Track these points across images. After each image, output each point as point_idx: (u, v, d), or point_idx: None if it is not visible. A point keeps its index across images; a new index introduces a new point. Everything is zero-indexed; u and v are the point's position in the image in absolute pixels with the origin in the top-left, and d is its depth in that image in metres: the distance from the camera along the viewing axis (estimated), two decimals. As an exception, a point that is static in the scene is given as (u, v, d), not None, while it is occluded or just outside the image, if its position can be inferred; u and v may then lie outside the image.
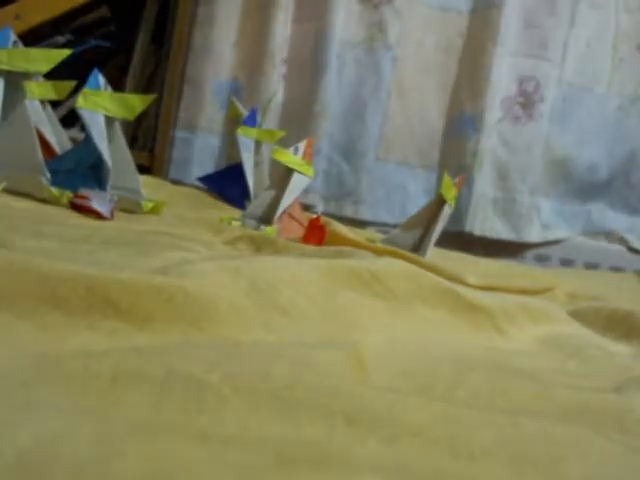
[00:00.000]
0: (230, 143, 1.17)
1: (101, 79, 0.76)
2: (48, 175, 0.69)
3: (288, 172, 0.80)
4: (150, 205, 0.76)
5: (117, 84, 1.25)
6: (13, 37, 0.78)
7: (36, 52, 0.73)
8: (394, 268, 0.50)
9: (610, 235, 1.36)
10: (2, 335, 0.29)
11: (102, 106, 0.74)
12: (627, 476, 0.27)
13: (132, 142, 1.25)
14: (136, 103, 0.76)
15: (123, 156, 0.76)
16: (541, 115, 1.30)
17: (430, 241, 0.84)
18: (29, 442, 0.20)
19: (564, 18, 1.29)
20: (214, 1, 1.25)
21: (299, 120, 1.27)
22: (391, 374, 0.36)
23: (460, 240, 1.27)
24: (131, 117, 0.77)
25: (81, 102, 0.73)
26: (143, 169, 1.19)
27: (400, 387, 0.34)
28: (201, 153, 1.28)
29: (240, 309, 0.38)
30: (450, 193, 0.84)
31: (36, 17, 1.11)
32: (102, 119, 0.74)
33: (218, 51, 1.26)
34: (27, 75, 0.73)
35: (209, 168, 1.26)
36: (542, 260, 1.34)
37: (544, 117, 1.30)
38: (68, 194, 0.69)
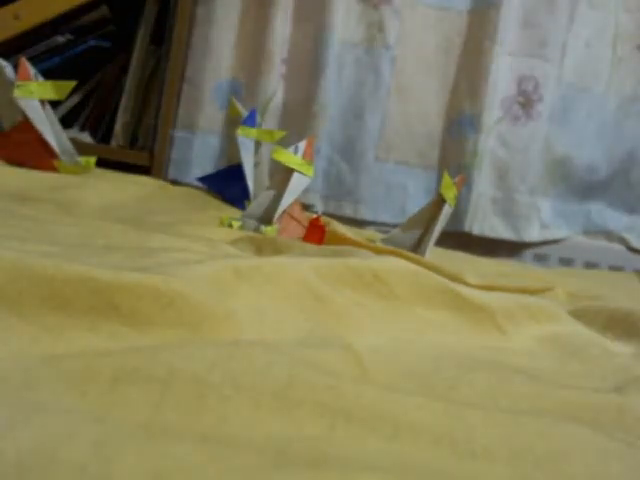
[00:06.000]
0: (230, 143, 1.16)
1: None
2: None
3: (288, 172, 0.80)
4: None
5: (117, 84, 1.25)
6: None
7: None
8: (395, 267, 0.50)
9: (609, 234, 1.36)
10: (4, 335, 0.29)
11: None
12: (627, 474, 0.27)
13: (132, 142, 1.25)
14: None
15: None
16: (540, 115, 1.30)
17: (430, 241, 0.84)
18: (30, 442, 0.20)
19: (563, 18, 1.29)
20: (213, 1, 1.25)
21: (298, 120, 1.27)
22: (392, 373, 0.36)
23: (459, 239, 1.27)
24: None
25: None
26: (143, 169, 1.19)
27: (401, 386, 0.34)
28: (200, 153, 1.27)
29: (238, 313, 0.38)
30: (450, 193, 0.83)
31: (36, 17, 1.10)
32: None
33: (218, 51, 1.26)
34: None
35: (208, 168, 1.26)
36: (541, 259, 1.34)
37: (543, 117, 1.30)
38: None
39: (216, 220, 0.80)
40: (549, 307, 0.57)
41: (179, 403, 0.26)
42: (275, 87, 1.27)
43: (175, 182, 1.20)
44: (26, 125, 0.91)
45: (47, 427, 0.21)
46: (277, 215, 0.80)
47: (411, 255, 0.78)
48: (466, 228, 1.29)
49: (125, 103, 1.22)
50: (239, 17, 1.27)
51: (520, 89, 1.30)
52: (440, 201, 0.84)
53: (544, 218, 1.34)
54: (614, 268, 1.33)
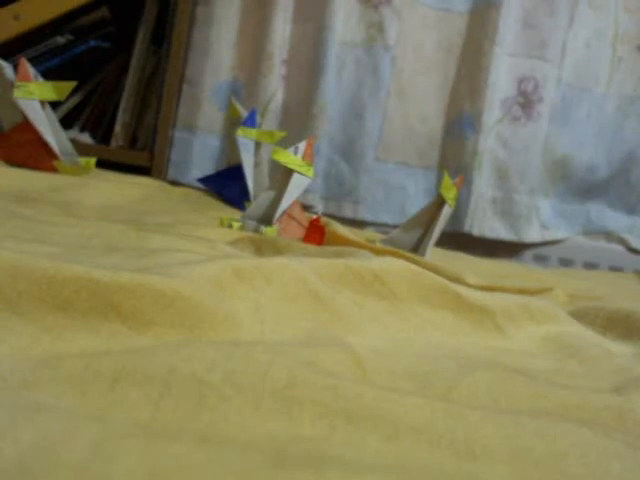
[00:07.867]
0: (230, 144, 1.17)
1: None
2: None
3: (288, 172, 0.80)
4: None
5: (117, 84, 1.25)
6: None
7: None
8: (395, 268, 0.50)
9: (609, 235, 1.36)
10: (4, 336, 0.29)
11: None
12: (627, 474, 0.27)
13: (132, 142, 1.25)
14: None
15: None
16: (540, 115, 1.30)
17: (430, 241, 0.84)
18: (30, 443, 0.20)
19: (563, 18, 1.29)
20: (213, 1, 1.25)
21: (298, 121, 1.27)
22: (392, 373, 0.36)
23: (459, 240, 1.27)
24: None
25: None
26: (143, 170, 1.19)
27: (401, 386, 0.34)
28: (200, 153, 1.27)
29: (238, 313, 0.38)
30: (450, 193, 0.83)
31: (36, 17, 1.10)
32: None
33: (217, 51, 1.26)
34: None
35: (208, 168, 1.26)
36: (541, 260, 1.34)
37: (543, 117, 1.30)
38: None
39: (216, 221, 0.80)
40: (549, 308, 0.57)
41: (179, 403, 0.26)
42: (275, 88, 1.27)
43: (175, 183, 1.20)
44: (26, 126, 0.91)
45: (47, 427, 0.21)
46: (277, 216, 0.80)
47: (411, 256, 0.78)
48: (466, 229, 1.29)
49: (125, 103, 1.22)
50: (239, 17, 1.27)
51: (520, 89, 1.30)
52: (440, 202, 0.84)
53: (544, 219, 1.34)
54: (614, 269, 1.33)
